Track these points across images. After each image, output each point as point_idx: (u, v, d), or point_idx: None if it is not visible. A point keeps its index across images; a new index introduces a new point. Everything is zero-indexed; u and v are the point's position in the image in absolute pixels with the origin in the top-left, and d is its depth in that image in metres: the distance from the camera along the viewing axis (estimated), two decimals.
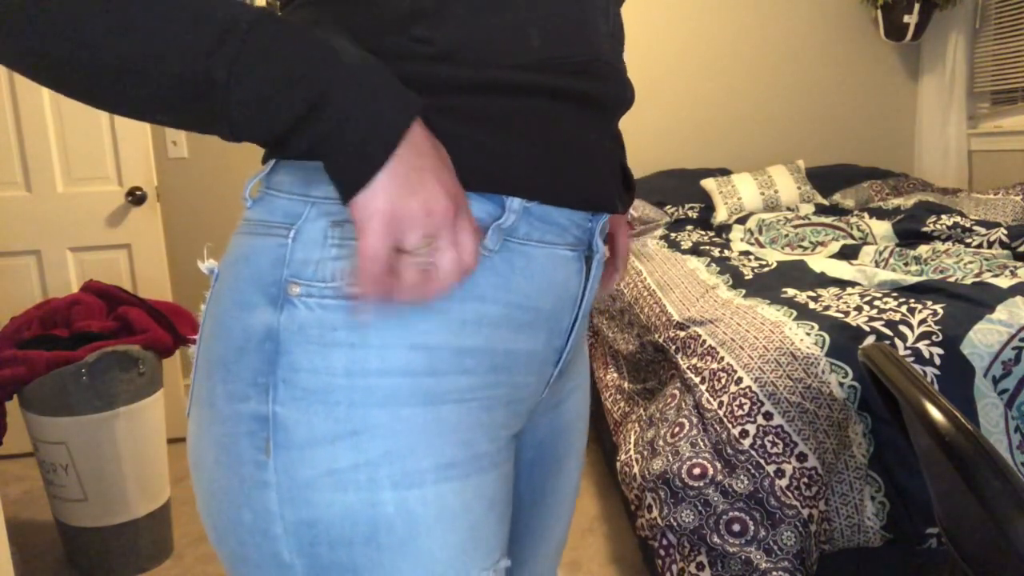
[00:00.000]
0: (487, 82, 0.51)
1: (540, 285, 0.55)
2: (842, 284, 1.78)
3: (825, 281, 1.81)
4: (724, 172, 3.23)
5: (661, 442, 1.39)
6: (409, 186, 0.44)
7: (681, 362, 1.54)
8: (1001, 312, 1.37)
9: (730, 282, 1.91)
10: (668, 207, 3.02)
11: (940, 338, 1.33)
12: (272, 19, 0.44)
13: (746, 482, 1.24)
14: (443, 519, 0.51)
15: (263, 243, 0.51)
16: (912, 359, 1.32)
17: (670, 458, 1.33)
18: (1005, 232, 2.17)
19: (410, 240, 0.45)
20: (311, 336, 0.48)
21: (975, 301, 1.44)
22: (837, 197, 3.07)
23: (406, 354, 0.49)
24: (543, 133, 0.53)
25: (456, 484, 0.51)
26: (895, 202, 2.79)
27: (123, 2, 0.41)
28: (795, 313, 1.50)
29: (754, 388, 1.32)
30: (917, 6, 3.07)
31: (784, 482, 1.23)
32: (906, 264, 2.03)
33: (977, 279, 1.69)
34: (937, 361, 1.31)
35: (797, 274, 1.91)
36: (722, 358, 1.42)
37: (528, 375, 0.57)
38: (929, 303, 1.46)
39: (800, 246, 2.43)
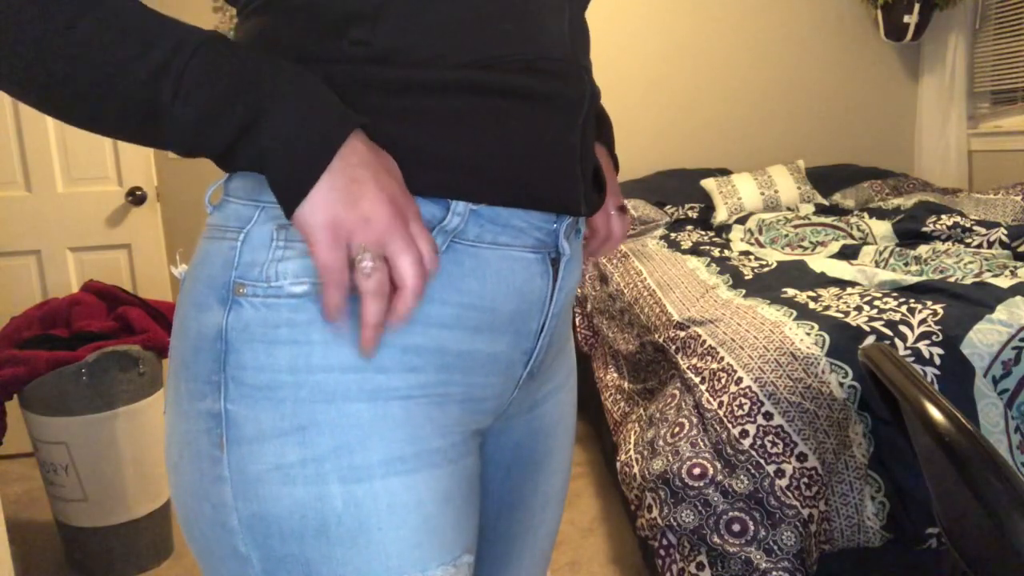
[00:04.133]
0: (427, 83, 0.51)
1: (496, 287, 0.55)
2: (842, 284, 1.78)
3: (825, 281, 1.81)
4: (724, 172, 3.23)
5: (661, 442, 1.39)
6: (348, 197, 0.46)
7: (681, 362, 1.54)
8: (1001, 312, 1.37)
9: (730, 282, 1.91)
10: (668, 207, 3.02)
11: (940, 338, 1.33)
12: (216, 42, 0.46)
13: (746, 482, 1.24)
14: (393, 513, 0.51)
15: (217, 247, 0.53)
16: (912, 359, 1.32)
17: (670, 458, 1.33)
18: (1005, 232, 2.17)
19: (355, 249, 0.46)
20: (256, 334, 0.50)
21: (975, 301, 1.44)
22: (837, 197, 3.07)
23: (350, 351, 0.50)
24: (488, 132, 0.52)
25: (406, 478, 0.52)
26: (895, 202, 2.79)
27: (77, 27, 0.43)
28: (795, 313, 1.50)
29: (754, 388, 1.32)
30: (917, 6, 3.07)
31: (784, 482, 1.23)
32: (906, 264, 2.03)
33: (977, 279, 1.69)
34: (937, 361, 1.31)
35: (797, 274, 1.91)
36: (722, 358, 1.42)
37: (489, 376, 0.57)
38: (929, 303, 1.46)
39: (800, 246, 2.43)
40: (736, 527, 1.23)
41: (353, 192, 0.46)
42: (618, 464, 1.55)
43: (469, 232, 0.53)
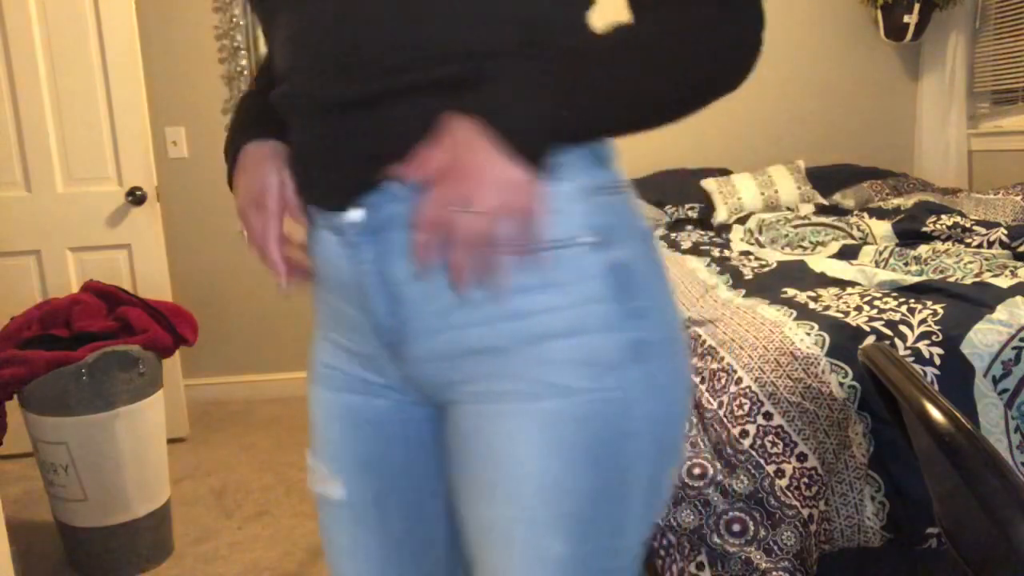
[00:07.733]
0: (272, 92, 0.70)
1: (316, 255, 0.67)
2: (842, 284, 1.78)
3: (825, 281, 1.81)
4: (724, 172, 3.23)
5: None
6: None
7: None
8: (1001, 312, 1.37)
9: (730, 282, 1.91)
10: (668, 207, 3.02)
11: (940, 338, 1.33)
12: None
13: (746, 482, 1.24)
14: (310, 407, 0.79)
15: None
16: (912, 359, 1.32)
17: None
18: (1005, 232, 2.16)
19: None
20: None
21: (975, 301, 1.44)
22: (837, 197, 3.07)
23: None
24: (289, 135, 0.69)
25: (310, 386, 0.76)
26: (895, 202, 2.79)
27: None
28: (795, 313, 1.50)
29: (754, 388, 1.32)
30: (917, 6, 3.07)
31: (784, 482, 1.23)
32: (906, 264, 2.03)
33: (977, 279, 1.69)
34: (937, 361, 1.31)
35: (797, 274, 1.90)
36: (722, 358, 1.42)
37: (348, 331, 0.69)
38: (929, 303, 1.46)
39: (800, 246, 2.43)
40: (736, 527, 1.23)
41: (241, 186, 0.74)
42: None
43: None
